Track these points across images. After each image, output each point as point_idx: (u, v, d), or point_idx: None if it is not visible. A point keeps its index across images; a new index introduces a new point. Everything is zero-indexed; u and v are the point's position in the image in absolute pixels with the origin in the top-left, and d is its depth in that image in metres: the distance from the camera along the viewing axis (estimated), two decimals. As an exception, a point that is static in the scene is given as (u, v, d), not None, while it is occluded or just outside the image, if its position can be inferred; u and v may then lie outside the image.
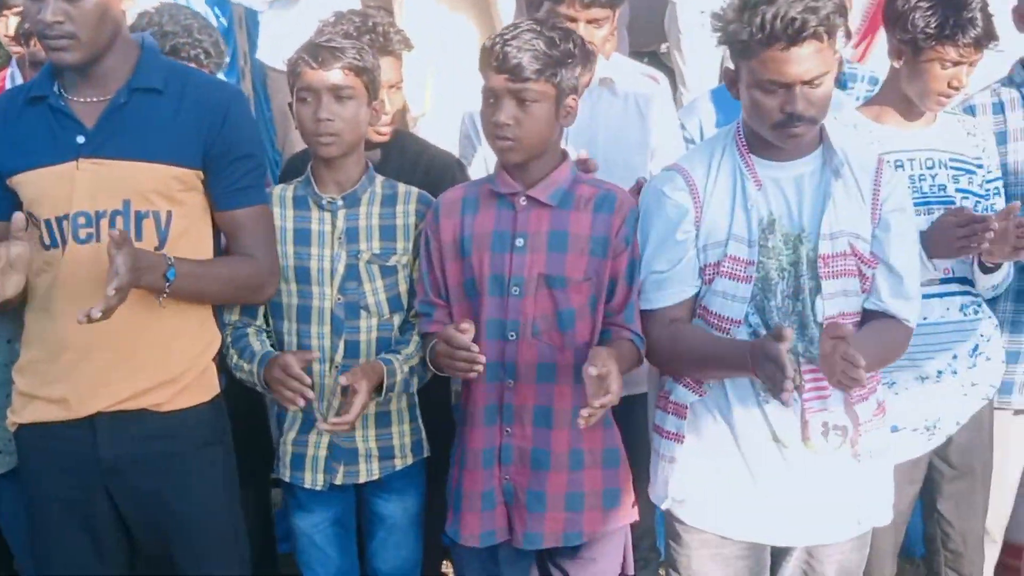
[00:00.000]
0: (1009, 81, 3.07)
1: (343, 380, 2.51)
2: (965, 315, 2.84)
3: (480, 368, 2.37)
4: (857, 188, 2.40)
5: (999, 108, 3.03)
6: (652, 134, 3.06)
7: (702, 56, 4.35)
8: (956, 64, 2.70)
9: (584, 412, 2.25)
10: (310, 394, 2.50)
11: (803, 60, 2.23)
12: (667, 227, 2.41)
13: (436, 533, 2.73)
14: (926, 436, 2.84)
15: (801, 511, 2.42)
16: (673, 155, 2.89)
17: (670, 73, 4.37)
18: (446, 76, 4.00)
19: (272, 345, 2.67)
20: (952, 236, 2.66)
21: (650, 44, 5.86)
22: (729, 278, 2.38)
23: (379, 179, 2.72)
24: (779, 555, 2.52)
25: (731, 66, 2.38)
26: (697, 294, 2.43)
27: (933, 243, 2.71)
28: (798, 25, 2.20)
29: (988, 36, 2.70)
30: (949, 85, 2.72)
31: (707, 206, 2.39)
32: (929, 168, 2.80)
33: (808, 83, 2.25)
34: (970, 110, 3.02)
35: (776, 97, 2.27)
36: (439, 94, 4.05)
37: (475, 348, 2.35)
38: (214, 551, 2.54)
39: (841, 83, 3.57)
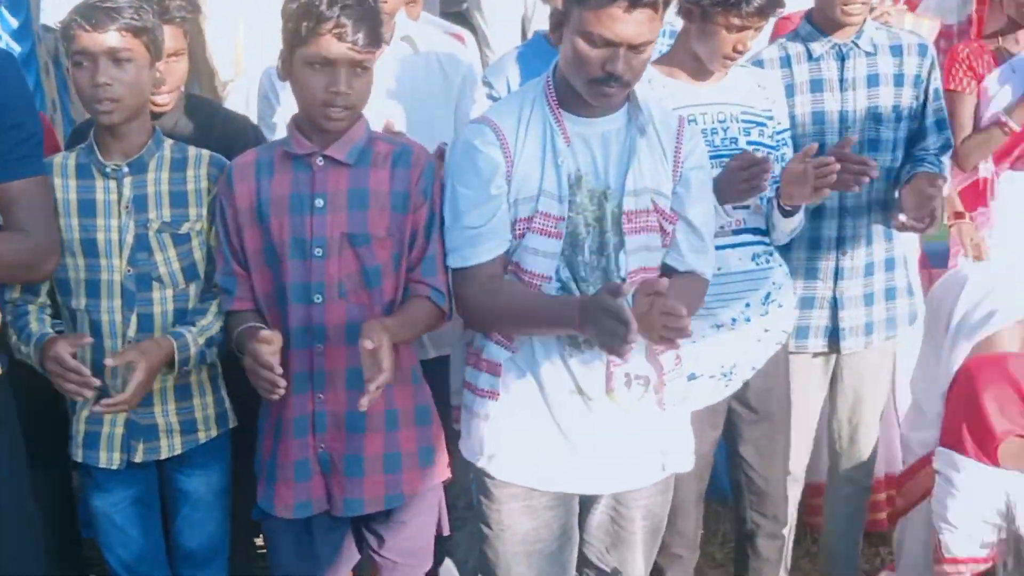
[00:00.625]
0: (795, 35, 3.17)
1: (108, 361, 2.42)
2: (757, 264, 2.92)
3: (281, 392, 2.35)
4: (660, 146, 2.44)
5: (786, 62, 3.13)
6: (456, 93, 3.05)
7: (503, 16, 4.36)
8: (741, 30, 2.75)
9: (363, 400, 2.26)
10: (94, 382, 2.40)
11: (637, 24, 2.24)
12: (479, 181, 2.39)
13: (247, 506, 2.66)
14: (723, 382, 2.92)
15: (607, 460, 2.46)
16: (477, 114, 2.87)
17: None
18: (258, 37, 3.87)
19: (64, 322, 2.55)
20: (737, 180, 2.72)
21: (459, 4, 5.87)
22: (540, 234, 2.39)
23: (168, 143, 2.62)
24: (588, 503, 2.56)
25: (560, 6, 2.36)
26: (508, 250, 2.43)
27: (721, 189, 2.77)
28: None
29: (773, 4, 2.76)
30: (734, 49, 2.77)
31: (518, 160, 2.39)
32: (721, 122, 2.87)
33: (634, 47, 2.27)
34: (758, 64, 3.11)
35: (601, 53, 2.28)
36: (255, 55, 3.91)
37: (279, 371, 2.32)
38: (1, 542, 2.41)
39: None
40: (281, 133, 2.89)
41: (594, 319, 2.16)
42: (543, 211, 2.37)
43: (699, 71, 2.87)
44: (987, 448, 2.93)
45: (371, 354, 2.23)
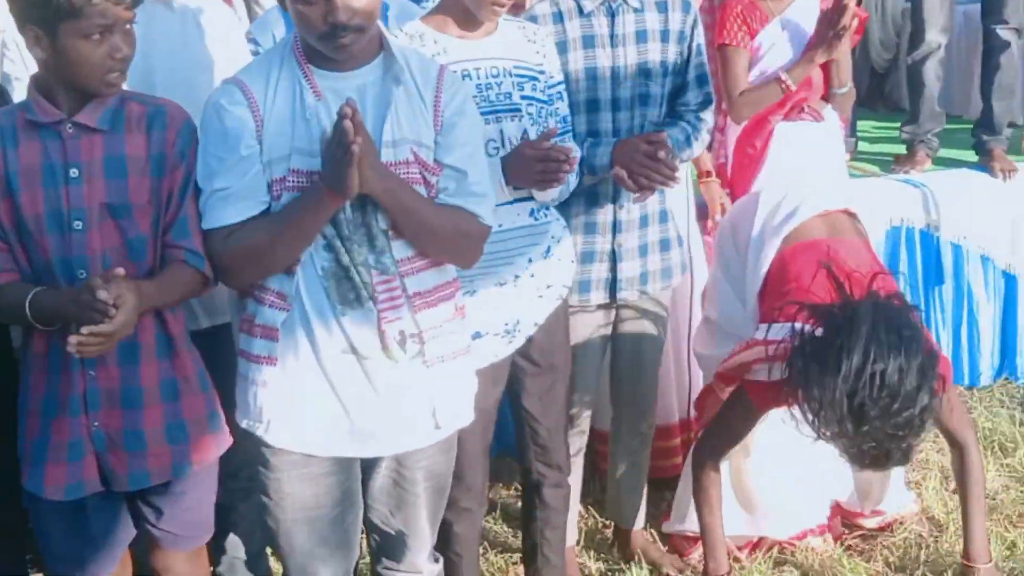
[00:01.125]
0: None
1: None
2: (536, 219, 2.93)
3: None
4: (419, 95, 2.40)
5: (558, 18, 3.12)
6: (217, 50, 2.93)
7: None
8: None
9: (72, 339, 2.19)
10: None
11: None
12: (228, 142, 2.32)
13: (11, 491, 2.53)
14: (507, 339, 2.93)
15: (384, 421, 2.43)
16: None
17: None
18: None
19: None
20: (531, 169, 2.75)
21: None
22: (296, 191, 2.33)
23: None
24: (369, 466, 2.53)
25: None
26: (268, 211, 2.36)
27: (512, 172, 2.78)
28: None
29: None
30: None
31: (268, 120, 2.32)
32: (494, 76, 2.85)
33: None
34: (532, 19, 3.10)
35: (317, 7, 2.23)
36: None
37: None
38: None
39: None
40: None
41: (328, 167, 2.19)
42: (296, 168, 2.32)
43: (469, 21, 2.84)
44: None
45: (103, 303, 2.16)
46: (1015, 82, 5.14)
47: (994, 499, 3.94)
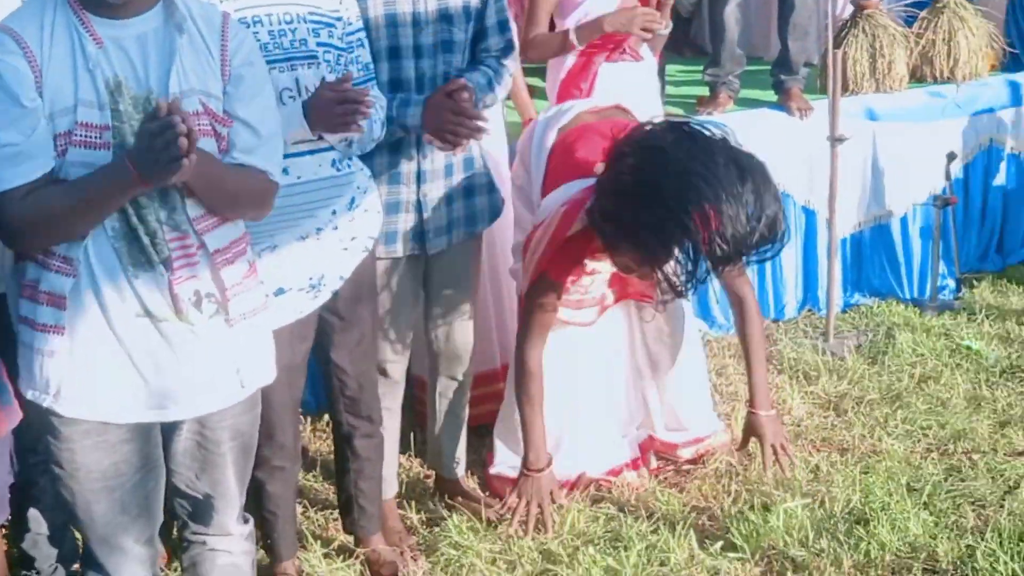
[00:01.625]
0: None
1: None
2: (338, 170, 2.88)
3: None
4: (204, 44, 2.30)
5: None
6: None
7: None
8: None
9: None
10: None
11: None
12: (8, 95, 2.17)
13: None
14: (312, 294, 2.88)
15: (183, 384, 2.35)
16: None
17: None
18: None
19: None
20: (332, 112, 2.69)
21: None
22: (84, 147, 2.21)
23: None
24: (170, 431, 2.45)
25: None
26: (53, 169, 2.23)
27: (314, 117, 2.71)
28: None
29: None
30: None
31: (47, 70, 2.18)
32: (288, 23, 2.77)
33: None
34: None
35: None
36: None
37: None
38: None
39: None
40: None
41: (140, 147, 2.10)
42: (83, 121, 2.19)
43: None
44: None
45: None
46: (809, 23, 5.29)
47: (799, 426, 4.10)
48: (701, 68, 5.42)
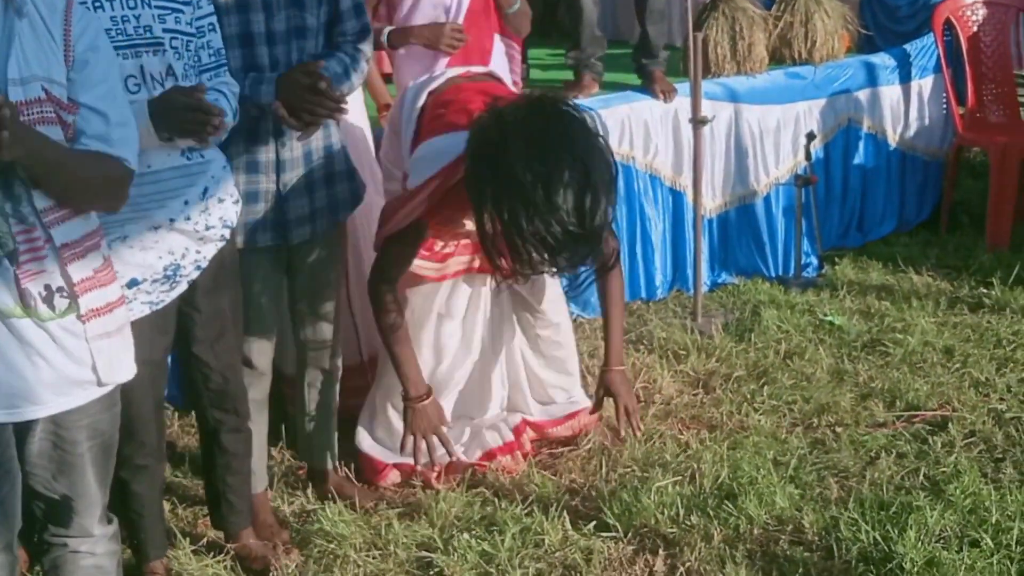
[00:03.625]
0: None
1: None
2: (189, 159, 2.80)
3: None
4: (46, 28, 2.22)
5: None
6: None
7: None
8: None
9: None
10: None
11: None
12: None
13: None
14: (168, 286, 2.81)
15: (35, 382, 2.26)
16: None
17: None
18: None
19: None
20: (180, 118, 2.63)
21: None
22: None
23: None
24: (23, 431, 2.35)
25: None
26: None
27: (160, 115, 2.63)
28: None
29: None
30: None
31: None
32: (132, 8, 2.69)
33: None
34: None
35: None
36: None
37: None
38: None
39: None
40: None
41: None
42: None
43: None
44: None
45: None
46: (667, 7, 5.36)
47: (669, 404, 4.16)
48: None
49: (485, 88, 3.37)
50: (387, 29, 3.98)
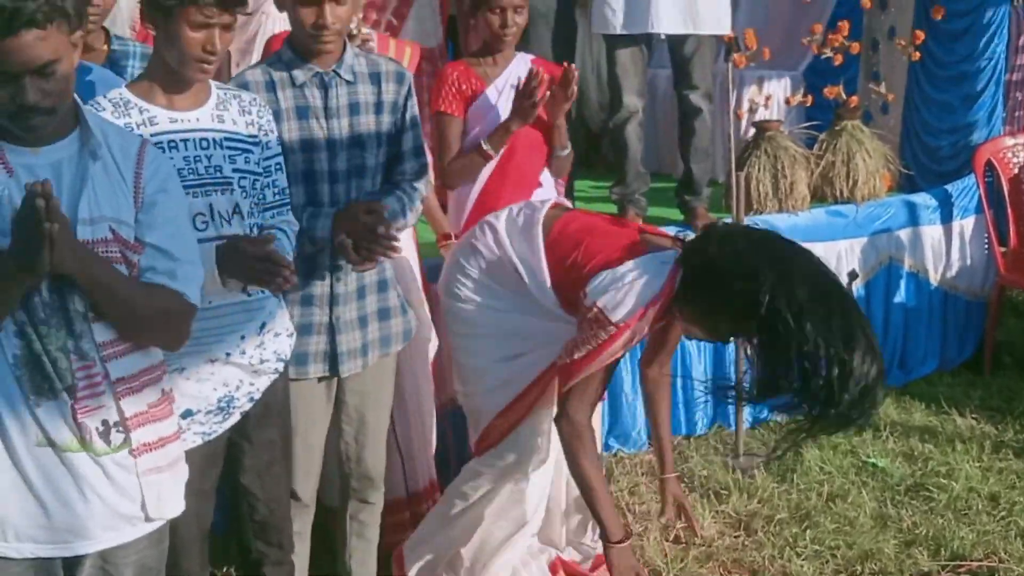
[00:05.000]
0: (278, 60, 3.14)
1: None
2: (249, 295, 2.85)
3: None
4: (118, 171, 2.30)
5: (271, 87, 3.09)
6: None
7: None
8: (205, 27, 2.68)
9: None
10: None
11: (24, 49, 2.09)
12: None
13: None
14: (221, 416, 2.84)
15: (87, 517, 2.28)
16: None
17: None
18: None
19: None
20: (247, 266, 2.69)
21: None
22: None
23: None
24: (72, 566, 2.35)
25: None
26: None
27: (227, 262, 2.70)
28: (9, 12, 2.06)
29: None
30: (204, 49, 2.69)
31: None
32: (204, 148, 2.77)
33: (39, 72, 2.12)
34: (243, 87, 3.04)
35: (6, 88, 2.12)
36: None
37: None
38: None
39: (113, 61, 3.45)
40: None
41: (18, 246, 2.08)
42: None
43: (177, 85, 2.76)
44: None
45: None
46: (711, 145, 5.44)
47: (710, 546, 4.11)
48: (611, 183, 5.52)
49: (601, 218, 3.46)
50: (483, 139, 3.93)
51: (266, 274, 2.69)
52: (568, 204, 3.71)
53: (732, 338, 3.28)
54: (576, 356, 3.18)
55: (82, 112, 2.28)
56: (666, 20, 4.96)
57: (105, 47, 3.48)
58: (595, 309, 3.14)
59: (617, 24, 5.03)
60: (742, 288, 2.93)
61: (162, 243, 2.34)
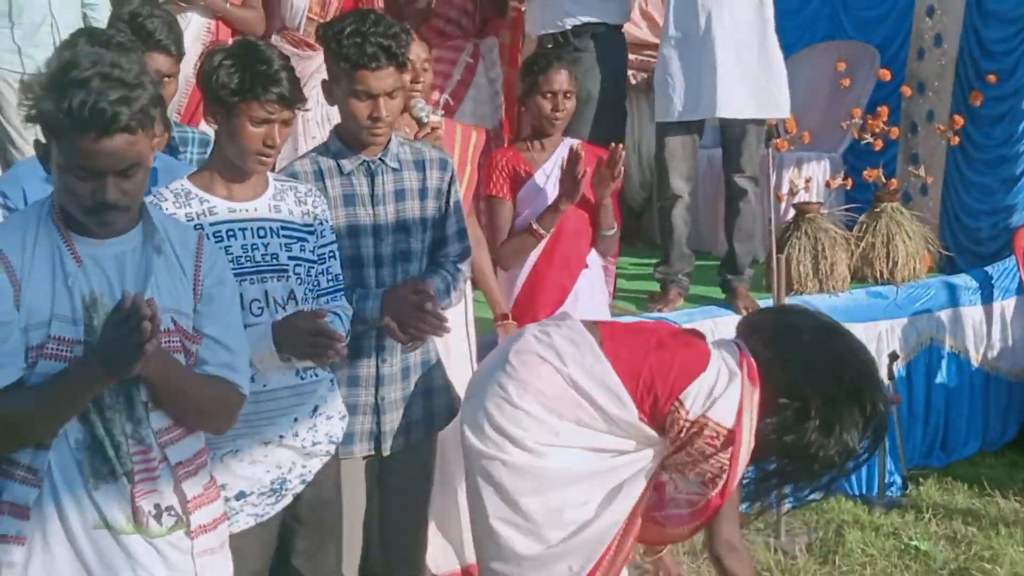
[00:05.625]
0: (326, 150, 3.25)
1: None
2: (303, 379, 2.94)
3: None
4: (178, 264, 2.40)
5: (319, 176, 3.19)
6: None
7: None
8: (266, 122, 2.80)
9: None
10: None
11: (115, 151, 2.20)
12: None
13: None
14: (274, 499, 2.91)
15: None
16: None
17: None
18: None
19: None
20: (302, 342, 2.78)
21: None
22: (54, 359, 2.27)
23: None
24: None
25: (43, 140, 2.28)
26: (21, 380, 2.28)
27: (285, 338, 2.79)
28: (108, 117, 2.16)
29: (295, 97, 2.84)
30: (264, 143, 2.82)
31: (26, 285, 2.26)
32: (261, 237, 2.88)
33: (121, 173, 2.23)
34: (292, 177, 3.15)
35: (88, 184, 2.22)
36: None
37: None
38: None
39: (173, 147, 3.59)
40: None
41: (104, 337, 2.17)
42: (56, 335, 2.26)
43: (236, 176, 2.88)
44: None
45: None
46: (755, 226, 5.51)
47: (752, 628, 4.10)
48: (652, 261, 5.58)
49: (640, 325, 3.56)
50: (534, 220, 4.08)
51: (319, 347, 2.77)
52: (573, 317, 3.56)
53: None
54: (720, 482, 3.15)
55: (146, 207, 2.39)
56: (730, 105, 5.07)
57: (166, 134, 3.62)
58: (707, 422, 3.14)
59: (679, 111, 5.14)
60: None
61: (219, 334, 2.44)
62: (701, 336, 3.42)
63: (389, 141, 3.25)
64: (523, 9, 5.83)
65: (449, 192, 3.36)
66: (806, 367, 3.24)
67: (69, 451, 2.29)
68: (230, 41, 5.05)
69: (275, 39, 5.24)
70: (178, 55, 3.60)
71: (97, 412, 2.28)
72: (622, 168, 4.07)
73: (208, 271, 2.43)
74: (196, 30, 4.98)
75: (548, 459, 3.21)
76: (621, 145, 4.09)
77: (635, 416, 3.20)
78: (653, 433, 3.21)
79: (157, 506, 2.34)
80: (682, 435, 3.16)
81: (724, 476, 3.14)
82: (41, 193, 2.77)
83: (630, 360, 3.24)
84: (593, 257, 4.30)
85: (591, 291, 4.29)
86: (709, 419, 3.14)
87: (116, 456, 2.29)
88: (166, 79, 3.46)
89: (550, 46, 5.34)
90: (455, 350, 3.92)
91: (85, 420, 2.29)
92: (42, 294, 2.27)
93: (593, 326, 3.42)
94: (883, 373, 5.32)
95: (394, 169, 3.25)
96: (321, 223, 3.01)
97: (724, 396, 3.16)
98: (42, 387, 2.25)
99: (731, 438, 3.14)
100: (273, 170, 3.10)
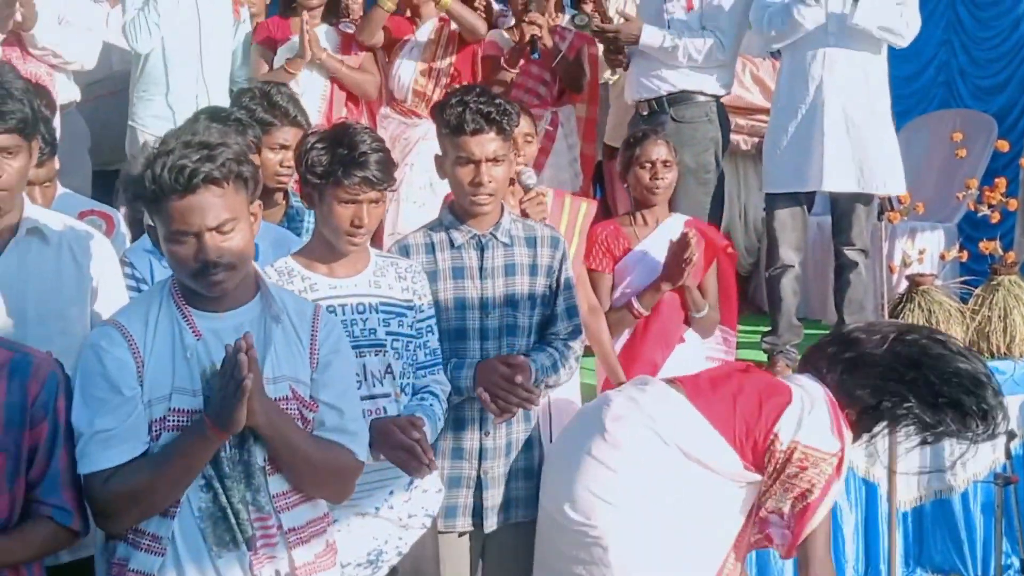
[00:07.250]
0: (439, 224, 3.30)
1: None
2: (399, 452, 2.96)
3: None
4: (295, 334, 2.47)
5: (430, 248, 3.24)
6: (91, 281, 2.94)
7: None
8: (352, 202, 2.86)
9: None
10: None
11: (204, 206, 2.28)
12: (109, 384, 2.34)
13: None
14: (371, 569, 2.94)
15: None
16: (114, 303, 2.81)
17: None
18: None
19: None
20: (395, 449, 2.84)
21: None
22: (176, 430, 2.35)
23: None
24: None
25: (151, 223, 2.37)
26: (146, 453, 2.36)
27: (378, 440, 2.84)
28: (189, 172, 2.24)
29: (381, 179, 2.88)
30: (352, 224, 2.87)
31: (148, 361, 2.36)
32: (360, 313, 2.94)
33: (216, 229, 2.30)
34: (404, 250, 3.21)
35: (188, 246, 2.30)
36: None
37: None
38: None
39: (290, 217, 3.68)
40: None
41: (217, 401, 2.25)
42: (176, 407, 2.35)
43: (336, 255, 2.94)
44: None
45: None
46: (865, 297, 5.40)
47: None
48: (759, 328, 5.52)
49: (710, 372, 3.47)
50: (635, 299, 4.10)
51: (408, 464, 2.83)
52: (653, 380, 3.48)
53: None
54: (809, 499, 3.10)
55: (262, 279, 2.46)
56: (837, 179, 5.04)
57: (283, 202, 3.72)
58: (796, 446, 3.10)
59: (786, 183, 5.11)
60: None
61: (335, 401, 2.49)
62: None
63: (501, 217, 3.27)
64: (610, 83, 5.85)
65: (560, 270, 3.36)
66: (874, 367, 3.18)
67: (192, 520, 2.36)
68: (344, 110, 5.22)
69: (385, 110, 5.43)
70: (307, 127, 3.71)
71: (219, 480, 2.34)
72: (695, 251, 4.04)
73: (324, 340, 2.49)
74: (312, 98, 5.13)
75: (651, 527, 3.11)
76: (692, 231, 4.06)
77: (740, 465, 3.15)
78: (757, 477, 3.17)
79: (277, 572, 2.39)
80: (777, 466, 3.13)
81: (815, 488, 3.11)
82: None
83: (722, 411, 3.20)
84: (692, 334, 4.26)
85: (685, 367, 4.23)
86: (798, 443, 3.10)
87: (237, 523, 2.35)
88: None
89: (645, 113, 5.35)
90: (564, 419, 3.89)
91: (207, 489, 2.35)
92: (163, 369, 2.35)
93: (674, 384, 3.35)
94: (1001, 453, 5.17)
95: (505, 244, 3.27)
96: (420, 298, 3.05)
97: (810, 419, 3.13)
98: (160, 454, 2.33)
99: (821, 457, 3.12)
100: (374, 243, 3.14)
